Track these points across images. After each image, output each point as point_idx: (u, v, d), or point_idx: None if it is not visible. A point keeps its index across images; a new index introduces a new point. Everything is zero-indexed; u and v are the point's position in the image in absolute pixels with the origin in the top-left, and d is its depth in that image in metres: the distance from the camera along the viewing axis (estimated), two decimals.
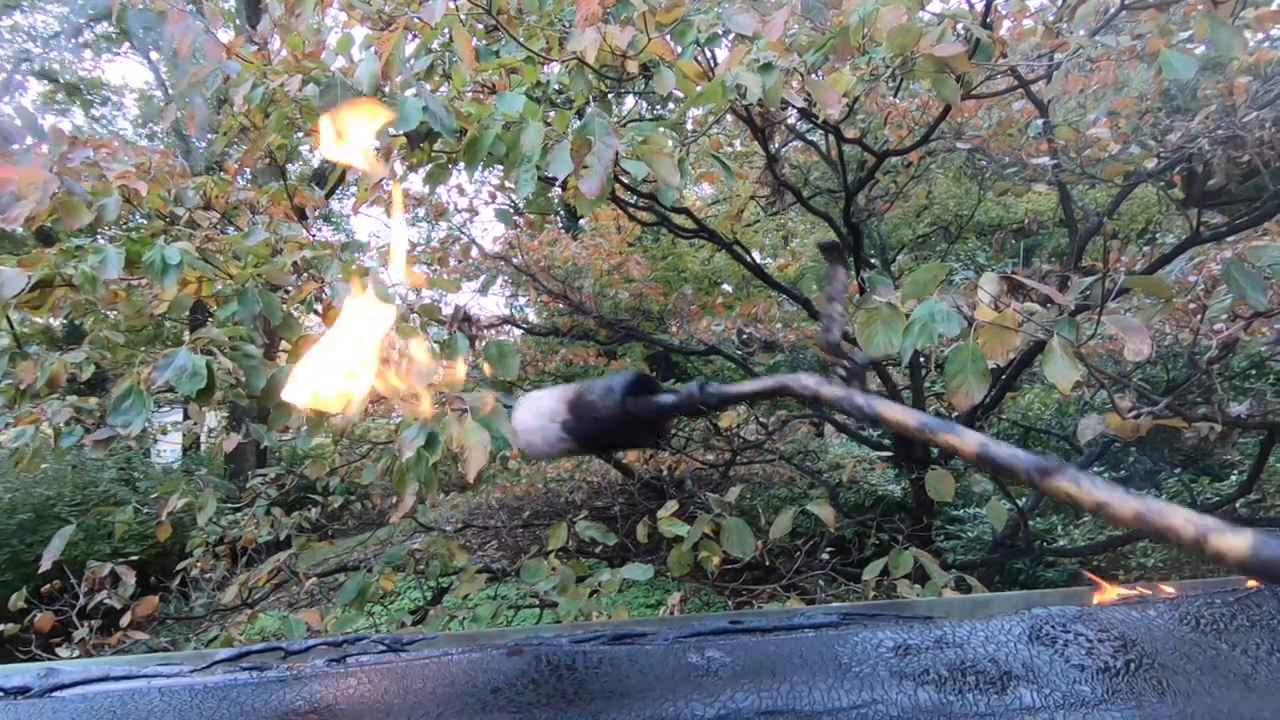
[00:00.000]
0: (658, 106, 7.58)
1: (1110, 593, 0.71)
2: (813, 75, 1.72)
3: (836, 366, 0.49)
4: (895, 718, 0.54)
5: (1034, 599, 0.78)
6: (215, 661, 0.50)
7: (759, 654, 0.58)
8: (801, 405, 4.49)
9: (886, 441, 4.52)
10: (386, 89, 1.54)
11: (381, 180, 1.64)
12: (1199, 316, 1.97)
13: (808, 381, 0.49)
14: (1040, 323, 1.37)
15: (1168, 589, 0.72)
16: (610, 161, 1.28)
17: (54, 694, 0.47)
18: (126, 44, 11.93)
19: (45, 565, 1.85)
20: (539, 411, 0.55)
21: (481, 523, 5.06)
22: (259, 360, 1.41)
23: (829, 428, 5.68)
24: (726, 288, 8.54)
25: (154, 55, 12.04)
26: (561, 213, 7.65)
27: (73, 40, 11.45)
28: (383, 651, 0.54)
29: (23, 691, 0.46)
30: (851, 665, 0.58)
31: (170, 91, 11.71)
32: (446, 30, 2.01)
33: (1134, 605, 0.69)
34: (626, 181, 2.46)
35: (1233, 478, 4.89)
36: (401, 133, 1.42)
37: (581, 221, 7.63)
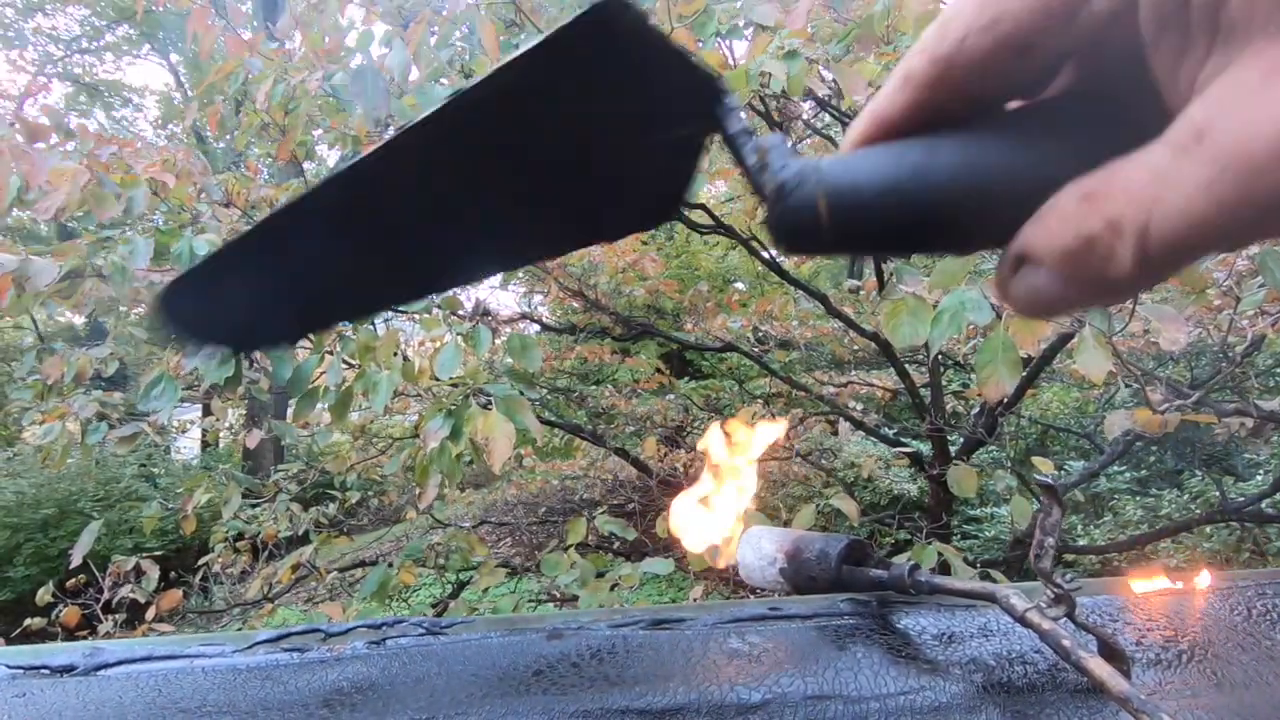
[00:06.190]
0: None
1: (1155, 582, 0.69)
2: (837, 64, 1.70)
3: (1046, 590, 0.51)
4: (943, 704, 0.53)
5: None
6: (257, 642, 0.50)
7: (801, 640, 0.57)
8: (816, 403, 4.45)
9: (904, 440, 4.48)
10: (411, 80, 1.54)
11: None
12: (1229, 311, 1.93)
13: (1016, 602, 0.52)
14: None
15: (1215, 579, 0.70)
16: None
17: (99, 672, 0.46)
18: (147, 46, 12.09)
19: (76, 560, 1.87)
20: (760, 552, 0.66)
21: (497, 519, 5.07)
22: (285, 351, 1.42)
23: (844, 425, 5.64)
24: (740, 285, 8.51)
25: (174, 58, 12.19)
26: None
27: (94, 43, 11.62)
28: (421, 634, 0.53)
29: (69, 669, 0.46)
30: (895, 652, 0.57)
31: (190, 93, 11.86)
32: (465, 25, 2.01)
33: (1181, 595, 0.67)
34: None
35: (1258, 477, 4.80)
36: None
37: None
